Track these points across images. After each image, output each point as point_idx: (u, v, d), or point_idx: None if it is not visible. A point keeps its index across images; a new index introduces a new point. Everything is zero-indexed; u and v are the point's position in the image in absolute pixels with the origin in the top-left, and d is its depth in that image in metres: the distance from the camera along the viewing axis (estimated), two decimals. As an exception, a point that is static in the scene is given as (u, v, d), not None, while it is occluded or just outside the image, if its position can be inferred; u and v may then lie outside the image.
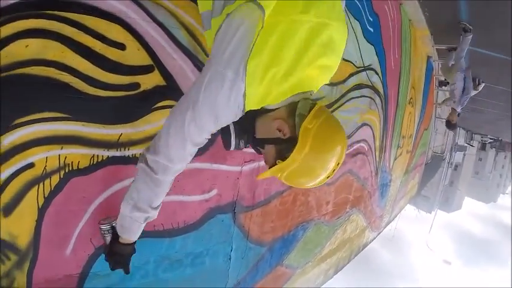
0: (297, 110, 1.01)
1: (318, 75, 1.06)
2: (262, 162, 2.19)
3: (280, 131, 1.02)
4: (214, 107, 0.96)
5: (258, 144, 1.13)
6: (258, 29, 0.90)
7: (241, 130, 1.13)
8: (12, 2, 1.09)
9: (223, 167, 2.01)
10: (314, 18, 0.96)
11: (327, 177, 1.03)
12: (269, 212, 2.54)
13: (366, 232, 5.27)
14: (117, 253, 1.34)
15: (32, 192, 1.26)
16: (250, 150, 1.79)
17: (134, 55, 1.46)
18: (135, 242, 1.36)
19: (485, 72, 7.09)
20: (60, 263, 1.40)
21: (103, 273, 1.57)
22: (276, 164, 1.03)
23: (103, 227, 1.36)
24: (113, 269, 1.37)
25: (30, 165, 1.24)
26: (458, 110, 5.64)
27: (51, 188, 1.31)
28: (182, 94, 1.58)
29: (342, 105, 3.10)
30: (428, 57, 6.80)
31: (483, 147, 40.75)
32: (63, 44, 1.24)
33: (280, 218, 2.67)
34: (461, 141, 22.17)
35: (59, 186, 1.33)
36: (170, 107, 1.61)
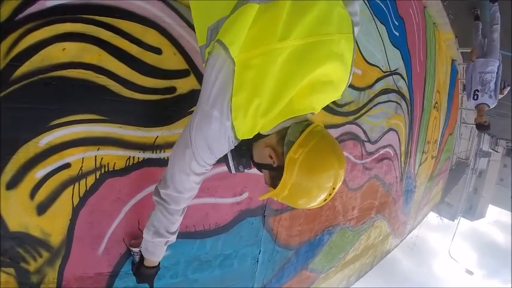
0: (286, 136, 0.98)
1: (314, 95, 1.03)
2: (292, 166, 2.20)
3: (270, 157, 1.01)
4: (207, 142, 1.00)
5: (256, 167, 1.13)
6: (233, 68, 0.90)
7: (239, 155, 1.16)
8: (49, 5, 1.13)
9: (255, 171, 2.01)
10: (297, 41, 0.92)
11: (329, 195, 0.97)
12: (297, 216, 2.53)
13: (389, 239, 5.18)
14: (143, 274, 1.47)
15: (67, 192, 1.30)
16: None
17: (170, 59, 1.50)
18: (158, 266, 1.47)
19: (510, 75, 6.91)
20: (92, 261, 1.44)
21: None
22: (274, 186, 1.00)
23: (134, 249, 1.47)
24: (138, 282, 1.51)
25: (67, 166, 1.27)
26: (492, 104, 4.48)
27: (86, 188, 1.35)
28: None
29: (369, 110, 3.07)
30: (453, 61, 6.67)
31: (509, 153, 39.34)
32: (100, 47, 1.28)
33: (307, 222, 2.66)
34: (485, 146, 21.51)
35: (95, 186, 1.37)
36: (205, 110, 1.65)
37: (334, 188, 0.96)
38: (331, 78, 1.04)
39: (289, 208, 2.42)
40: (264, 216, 2.22)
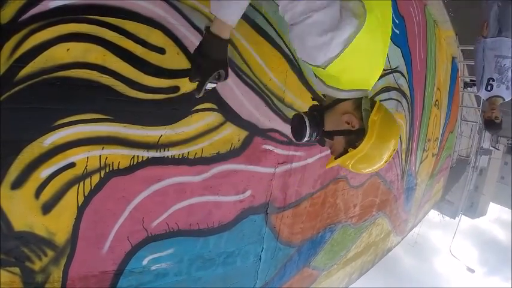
0: (362, 105, 1.14)
1: (376, 77, 1.21)
2: (295, 164, 2.23)
3: (348, 123, 1.15)
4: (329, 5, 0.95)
5: (328, 136, 1.23)
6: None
7: (314, 123, 1.23)
8: (53, 6, 1.14)
9: (258, 169, 2.04)
10: (385, 30, 1.13)
11: (390, 156, 1.18)
12: (299, 213, 2.55)
13: (390, 236, 5.19)
14: (203, 53, 1.18)
15: (72, 191, 1.31)
16: (284, 152, 1.82)
17: (174, 59, 1.51)
18: (227, 43, 1.20)
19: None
20: (97, 259, 1.45)
21: (138, 271, 1.62)
22: (344, 153, 1.15)
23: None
24: (191, 79, 1.27)
25: (71, 165, 1.28)
26: (507, 97, 3.53)
27: (91, 187, 1.36)
28: (220, 97, 1.66)
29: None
30: (453, 58, 6.67)
31: (509, 150, 39.35)
32: (104, 47, 1.28)
33: (309, 220, 2.67)
34: (486, 144, 21.51)
35: (99, 185, 1.38)
36: (209, 109, 1.66)
37: (394, 150, 1.16)
38: (383, 63, 1.22)
39: (291, 205, 2.43)
40: (267, 213, 2.23)
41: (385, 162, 1.20)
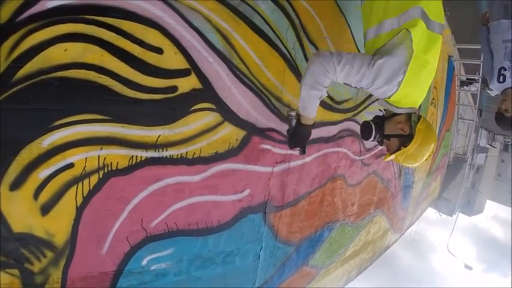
0: (411, 117, 1.68)
1: (421, 99, 1.71)
2: (293, 163, 2.24)
3: (402, 130, 1.69)
4: (376, 77, 1.51)
5: (386, 138, 1.75)
6: (411, 51, 1.49)
7: (378, 128, 1.75)
8: (50, 6, 1.14)
9: (256, 168, 2.05)
10: (431, 59, 1.62)
11: (423, 162, 1.76)
12: (297, 212, 2.56)
13: (388, 234, 5.20)
14: (298, 133, 1.83)
15: (71, 192, 1.31)
16: (281, 151, 2.10)
17: (171, 59, 1.51)
18: (312, 126, 1.80)
19: (508, 71, 6.94)
20: (96, 260, 1.46)
21: (137, 271, 1.63)
22: (397, 150, 1.70)
23: (292, 113, 1.84)
24: (291, 147, 1.95)
25: (70, 166, 1.29)
26: None
27: (90, 188, 1.36)
28: (218, 97, 1.66)
29: (367, 107, 3.08)
30: (450, 57, 6.69)
31: (506, 148, 39.45)
32: (102, 48, 1.29)
33: (307, 218, 2.68)
34: (483, 142, 21.60)
35: (98, 186, 1.39)
36: (207, 109, 1.67)
37: (433, 151, 1.71)
38: (428, 88, 1.73)
39: (289, 204, 2.44)
40: (265, 212, 2.24)
41: (426, 160, 1.74)
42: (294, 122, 1.83)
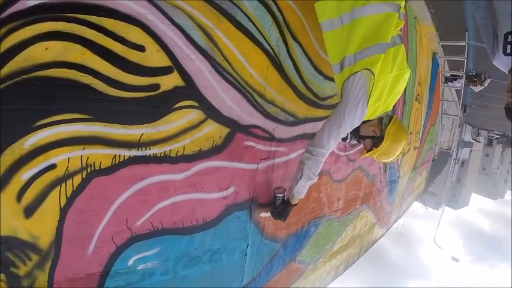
0: (382, 121, 2.04)
1: (392, 103, 2.02)
2: (278, 159, 2.26)
3: (374, 132, 2.05)
4: (352, 121, 1.82)
5: (361, 138, 2.11)
6: (371, 83, 1.76)
7: (354, 131, 1.99)
8: (31, 5, 1.13)
9: (240, 165, 2.06)
10: (395, 71, 1.90)
11: (396, 158, 2.13)
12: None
13: (375, 228, 5.26)
14: (287, 211, 2.21)
15: (54, 193, 1.30)
16: (266, 148, 2.18)
17: (154, 57, 1.51)
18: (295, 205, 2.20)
19: (491, 67, 7.07)
20: (82, 262, 1.45)
21: (124, 271, 1.62)
22: (371, 150, 2.07)
23: (279, 195, 2.22)
24: (277, 219, 2.27)
25: (53, 166, 1.28)
26: None
27: (73, 188, 1.35)
28: (200, 94, 1.67)
29: (351, 102, 3.11)
30: (434, 54, 6.79)
31: (490, 143, 40.30)
32: (83, 46, 1.28)
33: (293, 215, 2.68)
34: (467, 137, 21.99)
35: (81, 186, 1.37)
36: (189, 107, 1.67)
37: (403, 148, 2.07)
38: (399, 95, 2.04)
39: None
40: (251, 209, 2.24)
41: (397, 156, 2.12)
42: (279, 201, 2.23)
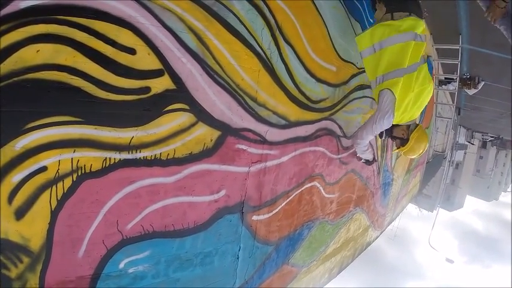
0: (410, 126, 2.60)
1: (417, 113, 2.59)
2: (270, 162, 2.26)
3: (403, 134, 2.62)
4: (382, 125, 2.44)
5: (393, 138, 2.71)
6: (394, 101, 2.30)
7: (388, 131, 2.67)
8: (23, 6, 1.13)
9: (232, 168, 2.05)
10: (416, 89, 2.36)
11: (418, 155, 2.76)
12: (276, 211, 2.57)
13: (369, 231, 5.26)
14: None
15: (45, 196, 1.30)
16: (257, 151, 2.19)
17: (144, 60, 1.50)
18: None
19: (485, 71, 7.13)
20: (73, 264, 1.44)
21: (115, 274, 1.61)
22: (399, 147, 2.68)
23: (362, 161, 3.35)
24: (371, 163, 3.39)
25: (43, 169, 1.28)
26: None
27: (64, 191, 1.35)
28: (191, 97, 1.68)
29: (344, 106, 3.12)
30: (428, 57, 6.83)
31: (484, 145, 40.58)
32: (74, 48, 1.28)
33: (286, 217, 2.69)
34: (462, 139, 22.13)
35: (72, 189, 1.37)
36: (180, 110, 1.67)
37: (425, 148, 2.70)
38: (422, 108, 2.59)
39: (267, 204, 2.46)
40: (243, 213, 2.24)
41: (419, 154, 2.74)
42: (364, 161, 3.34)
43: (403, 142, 2.64)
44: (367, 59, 2.52)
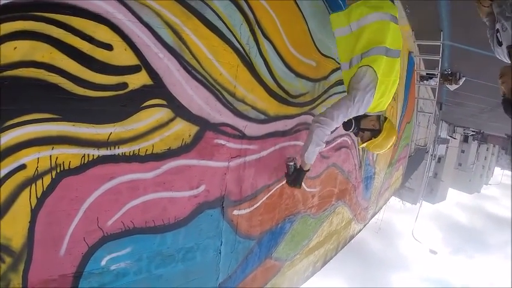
0: (380, 117, 2.44)
1: (387, 104, 2.41)
2: (249, 158, 2.28)
3: (373, 125, 2.43)
4: (359, 107, 2.17)
5: (362, 130, 2.48)
6: (376, 80, 2.15)
7: (356, 123, 2.44)
8: (1, 3, 1.12)
9: (211, 163, 2.06)
10: (393, 77, 2.30)
11: (387, 150, 2.60)
12: (257, 205, 2.59)
13: (352, 224, 5.34)
14: (300, 178, 2.43)
15: (25, 194, 1.29)
16: (236, 146, 2.18)
17: (121, 55, 1.50)
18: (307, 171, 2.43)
19: (466, 66, 7.28)
20: (55, 263, 1.44)
21: (97, 272, 1.61)
22: (368, 140, 2.47)
23: (290, 164, 2.43)
24: (293, 186, 2.48)
25: (22, 167, 1.27)
26: None
27: (43, 189, 1.34)
28: (169, 92, 1.67)
29: (324, 100, 3.14)
30: (410, 53, 6.93)
31: (466, 139, 41.49)
32: (51, 45, 1.27)
33: (267, 212, 2.72)
34: (444, 134, 22.58)
35: (51, 186, 1.37)
36: (158, 105, 1.67)
37: (394, 142, 2.54)
38: (391, 98, 2.42)
39: (248, 198, 2.48)
40: (223, 207, 2.25)
41: (389, 149, 2.59)
42: (292, 168, 2.44)
43: (374, 134, 2.43)
44: (341, 38, 2.38)
